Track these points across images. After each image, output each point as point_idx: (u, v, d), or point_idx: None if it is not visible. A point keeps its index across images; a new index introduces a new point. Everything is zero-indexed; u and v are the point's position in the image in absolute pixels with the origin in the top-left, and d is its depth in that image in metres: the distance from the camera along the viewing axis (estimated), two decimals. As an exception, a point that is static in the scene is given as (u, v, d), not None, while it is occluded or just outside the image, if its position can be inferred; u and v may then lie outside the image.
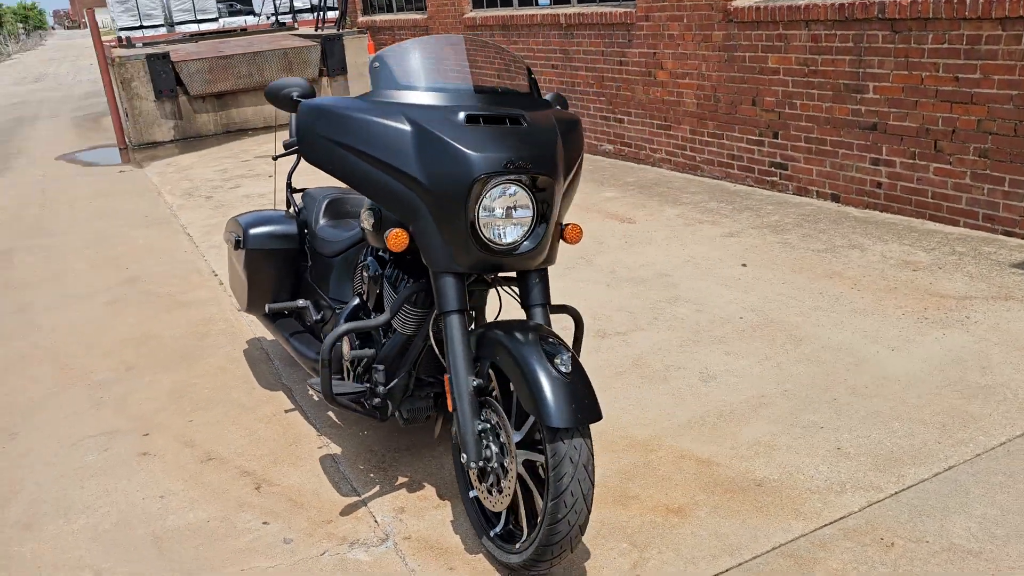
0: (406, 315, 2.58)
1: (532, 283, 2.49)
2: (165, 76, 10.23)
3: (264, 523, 2.67)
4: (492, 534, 2.39)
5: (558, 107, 2.84)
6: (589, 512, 2.13)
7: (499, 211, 2.31)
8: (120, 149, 10.29)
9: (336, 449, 3.06)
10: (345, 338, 2.86)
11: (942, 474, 2.60)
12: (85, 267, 5.66)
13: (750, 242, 4.84)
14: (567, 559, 2.36)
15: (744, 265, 4.49)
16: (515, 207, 2.33)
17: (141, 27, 15.31)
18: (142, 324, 4.49)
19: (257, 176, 7.97)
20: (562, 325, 3.66)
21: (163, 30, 15.32)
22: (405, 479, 2.84)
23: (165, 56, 10.21)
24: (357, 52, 11.17)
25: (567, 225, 2.58)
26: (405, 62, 2.50)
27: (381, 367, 2.65)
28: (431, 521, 2.61)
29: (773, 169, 5.84)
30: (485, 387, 2.33)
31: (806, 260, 4.46)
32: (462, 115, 2.32)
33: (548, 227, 2.39)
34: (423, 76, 2.48)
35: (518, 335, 2.24)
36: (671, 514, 2.53)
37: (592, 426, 3.04)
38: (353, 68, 11.18)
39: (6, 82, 24.03)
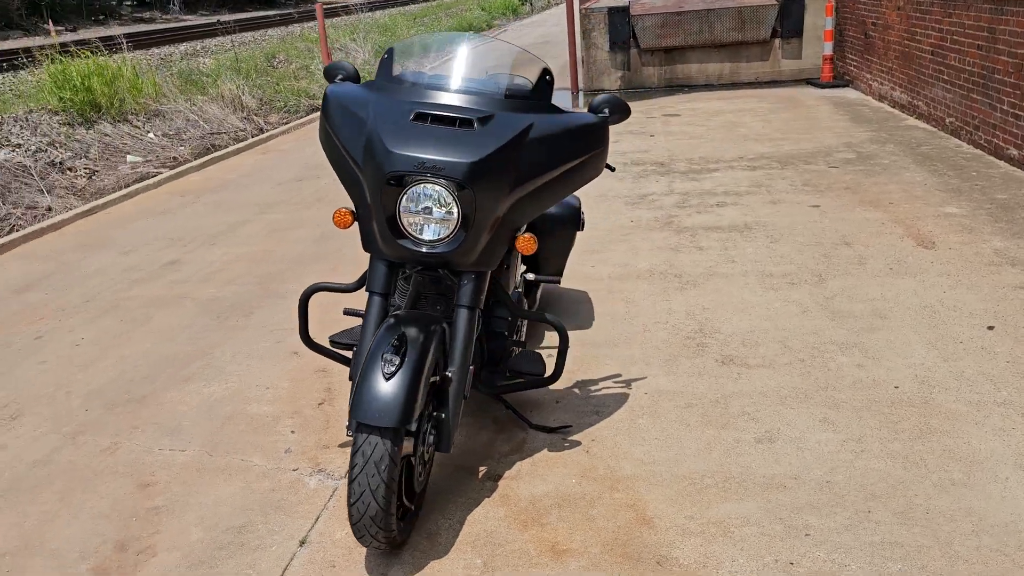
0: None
1: (462, 283, 2.53)
2: (621, 28, 10.92)
3: (292, 432, 3.21)
4: None
5: (605, 110, 2.72)
6: (382, 509, 2.22)
7: (417, 208, 2.41)
8: (572, 93, 11.37)
9: (399, 393, 3.43)
10: None
11: (869, 642, 2.01)
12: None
13: (1041, 302, 3.75)
14: (423, 553, 2.46)
15: (991, 328, 3.55)
16: (435, 207, 2.40)
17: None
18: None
19: (634, 133, 8.25)
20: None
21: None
22: (410, 435, 3.11)
23: (625, 10, 10.87)
24: (817, 14, 10.49)
25: (520, 234, 2.53)
26: (407, 56, 2.67)
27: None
28: (383, 476, 2.86)
29: None
30: None
31: (1082, 342, 3.35)
32: (413, 112, 2.45)
33: (470, 232, 2.41)
34: (413, 71, 2.62)
35: (389, 328, 2.36)
36: (548, 553, 2.41)
37: (589, 447, 2.92)
38: (810, 31, 10.55)
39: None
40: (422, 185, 2.39)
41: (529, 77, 2.66)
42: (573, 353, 3.63)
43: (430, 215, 2.42)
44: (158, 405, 3.49)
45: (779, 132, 7.83)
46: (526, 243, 2.54)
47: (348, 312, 2.97)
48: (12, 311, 4.69)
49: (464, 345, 2.51)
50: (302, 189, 7.19)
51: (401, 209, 2.42)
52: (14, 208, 7.69)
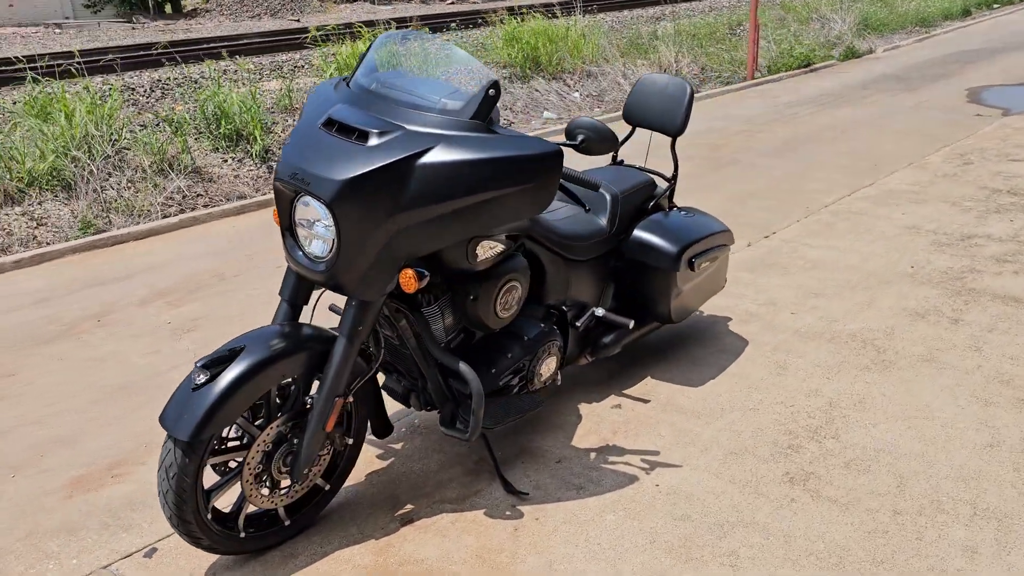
0: None
1: (347, 308, 2.29)
2: None
3: (324, 408, 3.25)
4: None
5: (579, 137, 2.24)
6: (174, 513, 2.18)
7: (302, 221, 2.23)
8: (1039, 93, 9.07)
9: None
10: None
11: None
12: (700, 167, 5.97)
13: None
14: (268, 569, 2.36)
15: None
16: (316, 221, 2.20)
17: None
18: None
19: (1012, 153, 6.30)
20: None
21: None
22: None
23: None
24: None
25: (405, 266, 2.19)
26: (376, 55, 2.45)
27: None
28: (331, 480, 2.77)
29: None
30: None
31: None
32: (324, 118, 2.25)
33: (341, 255, 2.16)
34: (373, 73, 2.40)
35: (237, 339, 2.25)
36: (346, 625, 2.13)
37: (523, 525, 2.45)
38: None
39: None
40: (306, 197, 2.20)
41: (475, 91, 2.25)
42: (640, 411, 3.04)
43: (313, 230, 2.23)
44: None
45: None
46: (407, 280, 2.20)
47: (333, 309, 2.89)
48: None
49: (334, 376, 2.27)
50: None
51: (296, 219, 2.27)
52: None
